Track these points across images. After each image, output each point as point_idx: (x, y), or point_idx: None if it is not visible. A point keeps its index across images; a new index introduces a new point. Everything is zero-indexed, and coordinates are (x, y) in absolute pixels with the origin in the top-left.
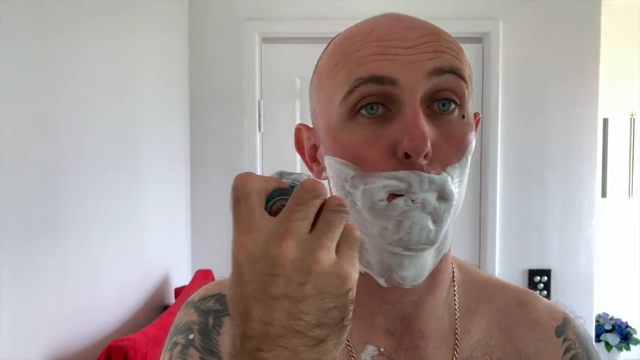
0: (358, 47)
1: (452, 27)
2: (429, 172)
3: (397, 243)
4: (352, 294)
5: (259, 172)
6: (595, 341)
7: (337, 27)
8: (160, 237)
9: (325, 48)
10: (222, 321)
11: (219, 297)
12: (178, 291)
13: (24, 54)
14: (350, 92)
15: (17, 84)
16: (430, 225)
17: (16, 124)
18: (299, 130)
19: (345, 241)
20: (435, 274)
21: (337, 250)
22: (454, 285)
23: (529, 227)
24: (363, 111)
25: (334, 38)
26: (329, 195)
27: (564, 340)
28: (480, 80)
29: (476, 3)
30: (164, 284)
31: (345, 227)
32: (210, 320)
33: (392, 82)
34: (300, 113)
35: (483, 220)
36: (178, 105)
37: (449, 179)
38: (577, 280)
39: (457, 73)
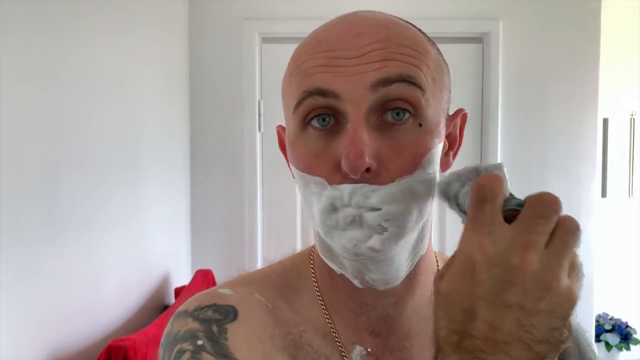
0: (306, 58)
1: (452, 27)
2: (371, 184)
3: (345, 253)
4: (573, 318)
5: (258, 172)
6: (595, 341)
7: None
8: (160, 237)
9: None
10: (225, 328)
11: (216, 307)
12: (178, 291)
13: (24, 54)
14: (298, 104)
15: (17, 84)
16: (370, 239)
17: (16, 124)
18: (279, 132)
19: (572, 265)
20: (413, 276)
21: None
22: None
23: None
24: (314, 122)
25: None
26: (572, 219)
27: None
28: (480, 80)
29: (476, 3)
30: (164, 284)
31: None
32: (215, 328)
33: (334, 95)
34: None
35: None
36: (178, 105)
37: (398, 197)
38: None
39: (408, 81)
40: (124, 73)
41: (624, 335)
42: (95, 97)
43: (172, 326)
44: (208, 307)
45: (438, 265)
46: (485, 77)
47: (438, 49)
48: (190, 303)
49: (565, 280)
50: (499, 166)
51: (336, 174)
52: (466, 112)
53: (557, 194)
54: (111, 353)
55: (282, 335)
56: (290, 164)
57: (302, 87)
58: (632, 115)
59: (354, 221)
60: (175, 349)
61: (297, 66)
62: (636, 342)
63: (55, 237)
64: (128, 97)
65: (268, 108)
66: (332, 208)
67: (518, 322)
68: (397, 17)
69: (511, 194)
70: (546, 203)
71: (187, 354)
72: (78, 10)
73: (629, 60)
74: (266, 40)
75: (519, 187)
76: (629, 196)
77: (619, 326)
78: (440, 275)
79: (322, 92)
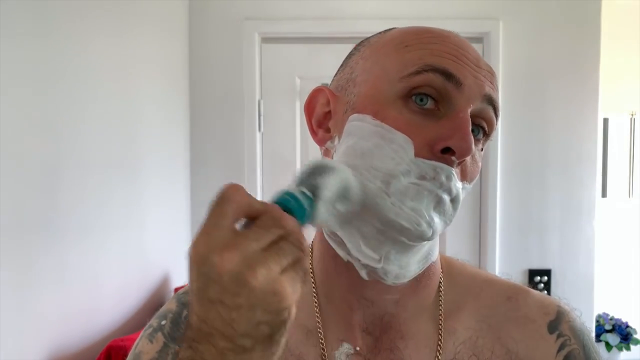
0: (436, 41)
1: (452, 27)
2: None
3: (401, 226)
4: (289, 313)
5: (258, 172)
6: (596, 341)
7: (337, 27)
8: (160, 237)
9: (375, 36)
10: None
11: None
12: (178, 291)
13: (24, 54)
14: (417, 72)
15: (17, 84)
16: (436, 222)
17: (16, 124)
18: (320, 91)
19: (292, 266)
20: (420, 278)
21: (282, 271)
22: (440, 286)
23: (529, 227)
24: (415, 98)
25: (390, 30)
26: (294, 230)
27: (558, 337)
28: None
29: (476, 3)
30: (164, 284)
31: (297, 257)
32: (184, 312)
33: (458, 83)
34: (300, 113)
35: (483, 220)
36: (178, 105)
37: (462, 194)
38: (577, 280)
39: (496, 110)
40: (124, 73)
41: (624, 335)
42: (95, 97)
43: (166, 303)
44: None
45: (442, 269)
46: None
47: None
48: (187, 286)
49: (266, 276)
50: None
51: (425, 148)
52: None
53: (557, 194)
54: (111, 353)
55: None
56: (365, 116)
57: (427, 60)
58: (632, 115)
59: (433, 199)
60: (149, 323)
61: (421, 42)
62: (636, 342)
63: (55, 237)
64: (128, 97)
65: (268, 108)
66: (416, 180)
67: (220, 317)
68: None
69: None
70: (270, 216)
71: (150, 330)
72: (78, 10)
73: (629, 60)
74: (266, 40)
75: (518, 187)
76: (629, 196)
77: (619, 326)
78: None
79: (447, 74)
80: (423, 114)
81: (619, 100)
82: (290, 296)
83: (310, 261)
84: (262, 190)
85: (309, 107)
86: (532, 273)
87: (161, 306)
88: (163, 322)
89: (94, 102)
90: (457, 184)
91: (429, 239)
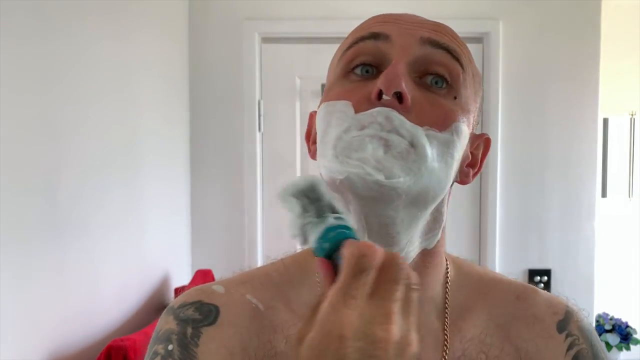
0: (369, 21)
1: (452, 27)
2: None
3: (359, 178)
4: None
5: (258, 172)
6: None
7: (338, 27)
8: (160, 237)
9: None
10: (200, 332)
11: (199, 305)
12: (178, 291)
13: (24, 54)
14: (348, 48)
15: (17, 84)
16: (390, 165)
17: (16, 124)
18: (312, 116)
19: (404, 308)
20: (421, 268)
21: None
22: (447, 283)
23: (529, 227)
24: (357, 70)
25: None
26: (412, 277)
27: (567, 336)
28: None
29: (476, 3)
30: (164, 284)
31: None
32: (189, 331)
33: (385, 37)
34: (300, 113)
35: (483, 220)
36: (178, 105)
37: (424, 138)
38: (577, 280)
39: (452, 54)
40: (124, 73)
41: (624, 335)
42: (95, 97)
43: (159, 322)
44: (192, 304)
45: (447, 266)
46: (485, 77)
47: (480, 74)
48: (179, 298)
49: (415, 340)
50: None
51: (364, 104)
52: (490, 138)
53: (557, 194)
54: (111, 353)
55: (259, 345)
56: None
57: (355, 35)
58: (632, 115)
59: (380, 144)
60: (153, 349)
61: (355, 29)
62: (636, 342)
63: (55, 237)
64: (128, 97)
65: (268, 108)
66: (358, 132)
67: None
68: None
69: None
70: (396, 268)
71: (158, 358)
72: (78, 11)
73: (629, 60)
74: (266, 40)
75: (518, 187)
76: (629, 196)
77: (619, 326)
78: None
79: (374, 35)
80: (365, 80)
81: (619, 100)
82: (414, 344)
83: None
84: (262, 190)
85: (307, 134)
86: (532, 273)
87: (162, 306)
88: (170, 347)
89: (94, 102)
90: (406, 124)
91: (391, 187)
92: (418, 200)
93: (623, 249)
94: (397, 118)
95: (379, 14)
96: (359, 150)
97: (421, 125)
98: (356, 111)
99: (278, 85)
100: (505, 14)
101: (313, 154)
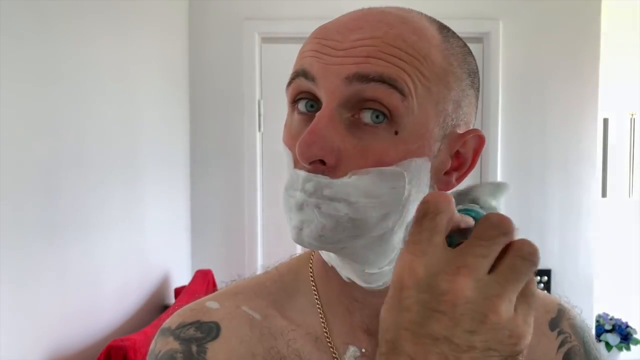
0: (309, 42)
1: (452, 27)
2: (325, 176)
3: (292, 237)
4: (522, 355)
5: (258, 172)
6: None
7: None
8: (160, 237)
9: None
10: (205, 348)
11: (198, 325)
12: (178, 291)
13: (24, 54)
14: (289, 83)
15: (17, 83)
16: (313, 225)
17: (16, 124)
18: None
19: (523, 294)
20: None
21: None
22: None
23: (529, 227)
24: (300, 105)
25: None
26: (517, 237)
27: (559, 334)
28: (481, 80)
29: (476, 3)
30: (164, 284)
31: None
32: (194, 348)
33: (312, 79)
34: None
35: None
36: (178, 105)
37: (355, 190)
38: (577, 280)
39: (387, 82)
40: (124, 73)
41: (624, 336)
42: (96, 97)
43: (155, 344)
44: (191, 324)
45: None
46: (485, 77)
47: (461, 61)
48: (174, 319)
49: (506, 313)
50: (501, 186)
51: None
52: (482, 134)
53: (557, 194)
54: (111, 353)
55: (265, 351)
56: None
57: (294, 67)
58: (632, 115)
59: (301, 207)
60: None
61: (301, 50)
62: (636, 342)
63: (55, 237)
64: (128, 97)
65: (268, 108)
66: (291, 189)
67: (445, 358)
68: (420, 17)
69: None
70: (490, 223)
71: None
72: (78, 11)
73: (629, 60)
74: (266, 40)
75: (518, 187)
76: (629, 196)
77: (619, 326)
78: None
79: (305, 74)
80: (306, 119)
81: (619, 100)
82: (528, 338)
83: (310, 269)
84: (262, 190)
85: None
86: None
87: (162, 306)
88: None
89: (94, 102)
90: (327, 188)
91: (310, 242)
92: (362, 234)
93: (623, 248)
94: (314, 182)
95: (324, 23)
96: (286, 208)
97: (347, 171)
98: (295, 164)
99: (278, 85)
100: (505, 14)
101: None
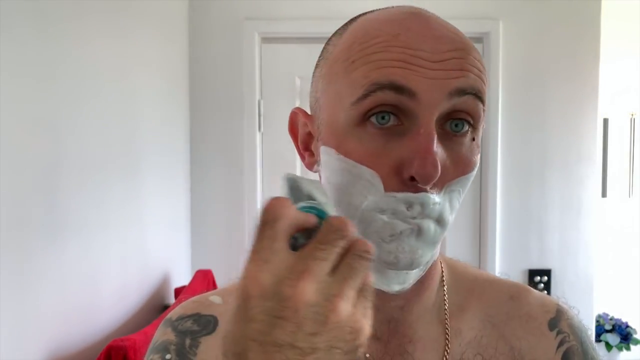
0: (380, 49)
1: None
2: (431, 193)
3: (384, 262)
4: (362, 350)
5: (258, 172)
6: (596, 341)
7: (337, 27)
8: (160, 237)
9: (338, 32)
10: (199, 342)
11: (197, 317)
12: (178, 291)
13: (23, 54)
14: (365, 96)
15: (17, 84)
16: (421, 251)
17: (16, 124)
18: (295, 114)
19: (361, 289)
20: (423, 280)
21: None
22: (444, 286)
23: (529, 227)
24: (373, 119)
25: (350, 22)
26: (355, 237)
27: (558, 333)
28: None
29: (476, 3)
30: (164, 284)
31: (366, 275)
32: (187, 341)
33: (411, 94)
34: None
35: (483, 220)
36: (178, 105)
37: (447, 205)
38: (577, 280)
39: (477, 95)
40: (124, 73)
41: (624, 335)
42: (95, 97)
43: (156, 334)
44: (189, 316)
45: (442, 269)
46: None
47: None
48: (176, 310)
49: (346, 310)
50: (314, 183)
51: (394, 178)
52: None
53: (557, 194)
54: (111, 353)
55: None
56: (333, 152)
57: (372, 78)
58: (632, 115)
59: (412, 232)
60: (149, 359)
61: (365, 55)
62: (636, 342)
63: (55, 237)
64: (128, 97)
65: (268, 108)
66: (390, 216)
67: None
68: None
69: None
70: (331, 228)
71: None
72: (78, 10)
73: (629, 60)
74: (266, 40)
75: (518, 187)
76: (629, 196)
77: (619, 326)
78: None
79: (397, 88)
80: (385, 134)
81: (619, 100)
82: (367, 330)
83: None
84: (262, 190)
85: (293, 131)
86: (532, 273)
87: (162, 306)
88: (168, 356)
89: (94, 102)
90: (436, 205)
91: (415, 268)
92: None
93: (623, 248)
94: (432, 201)
95: (393, 21)
96: (392, 236)
97: (442, 187)
98: (386, 188)
99: (278, 85)
100: (505, 14)
101: (308, 164)
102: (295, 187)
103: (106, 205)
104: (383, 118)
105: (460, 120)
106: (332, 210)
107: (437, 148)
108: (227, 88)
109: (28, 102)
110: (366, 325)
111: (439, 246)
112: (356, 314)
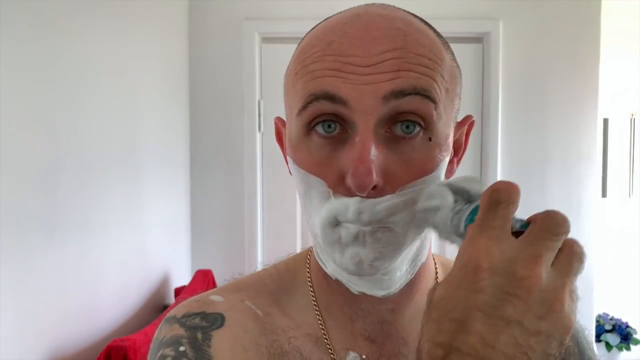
0: (315, 59)
1: (452, 27)
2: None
3: (344, 269)
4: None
5: (258, 172)
6: (596, 341)
7: None
8: (160, 237)
9: (298, 45)
10: (210, 335)
11: (204, 315)
12: (178, 291)
13: (23, 54)
14: (304, 107)
15: (17, 84)
16: (368, 257)
17: (16, 124)
18: (277, 124)
19: (572, 290)
20: (412, 283)
21: None
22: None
23: None
24: (319, 128)
25: (307, 34)
26: (579, 244)
27: None
28: (481, 80)
29: (476, 3)
30: (164, 284)
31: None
32: (199, 335)
33: (343, 102)
34: None
35: None
36: (178, 105)
37: (398, 210)
38: (577, 280)
39: (422, 94)
40: (124, 73)
41: (624, 336)
42: (95, 97)
43: (160, 331)
44: (196, 314)
45: (437, 270)
46: (485, 77)
47: (452, 52)
48: (179, 309)
49: (567, 304)
50: (476, 179)
51: (340, 185)
52: (474, 119)
53: (557, 194)
54: (111, 353)
55: (268, 344)
56: (290, 164)
57: (309, 89)
58: (632, 115)
59: (357, 238)
60: (159, 354)
61: (304, 66)
62: (636, 342)
63: (55, 237)
64: (128, 97)
65: (268, 108)
66: (335, 222)
67: (515, 341)
68: (413, 15)
69: (513, 217)
70: (557, 221)
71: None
72: (78, 10)
73: (629, 60)
74: (266, 40)
75: (519, 187)
76: (629, 196)
77: (619, 326)
78: (437, 285)
79: (330, 97)
80: (330, 142)
81: (619, 100)
82: (572, 328)
83: (308, 273)
84: (262, 190)
85: (279, 138)
86: None
87: (162, 306)
88: (182, 349)
89: (94, 102)
90: (381, 207)
91: (376, 273)
92: (409, 249)
93: (623, 248)
94: (373, 208)
95: (321, 32)
96: (349, 244)
97: (395, 190)
98: (333, 192)
99: (278, 85)
100: (505, 14)
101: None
102: (459, 192)
103: (106, 205)
104: (330, 127)
105: (410, 121)
106: None
107: (376, 155)
108: (227, 88)
109: (28, 102)
110: (574, 323)
111: (400, 252)
112: (572, 309)
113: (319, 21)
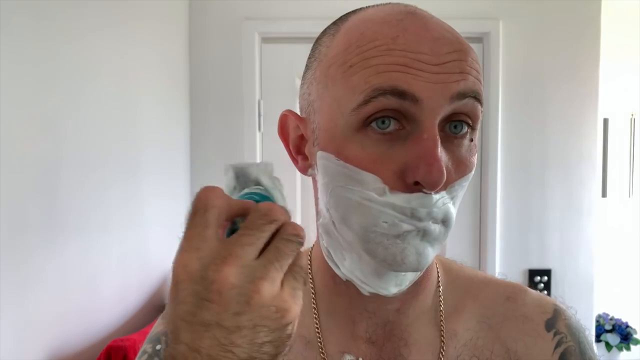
0: (380, 53)
1: (452, 27)
2: (435, 195)
3: (386, 263)
4: (292, 328)
5: None
6: (596, 341)
7: None
8: (161, 237)
9: (329, 32)
10: None
11: None
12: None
13: (24, 54)
14: (366, 102)
15: (17, 84)
16: (427, 252)
17: (16, 124)
18: (286, 116)
19: (290, 271)
20: (419, 281)
21: (281, 281)
22: (439, 287)
23: (529, 227)
24: (374, 124)
25: (341, 21)
26: (286, 221)
27: (555, 334)
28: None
29: (476, 3)
30: (164, 284)
31: (296, 257)
32: None
33: (414, 99)
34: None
35: (483, 220)
36: (178, 105)
37: (451, 205)
38: (577, 280)
39: (476, 97)
40: (124, 73)
41: (624, 336)
42: (95, 98)
43: (155, 325)
44: None
45: (438, 269)
46: (485, 77)
47: None
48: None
49: (269, 291)
50: (266, 165)
51: (397, 182)
52: None
53: (557, 194)
54: (111, 353)
55: None
56: (331, 157)
57: (373, 83)
58: (632, 115)
59: (418, 233)
60: (142, 348)
61: (364, 58)
62: (636, 342)
63: (55, 238)
64: (128, 96)
65: (268, 108)
66: (399, 217)
67: (217, 342)
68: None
69: (237, 219)
70: (259, 213)
71: (145, 357)
72: (78, 11)
73: (629, 60)
74: (266, 40)
75: (518, 187)
76: (629, 196)
77: (619, 326)
78: None
79: (399, 93)
80: (387, 139)
81: (619, 100)
82: (295, 309)
83: (310, 273)
84: None
85: (283, 134)
86: (532, 273)
87: (162, 306)
88: (158, 347)
89: (94, 102)
90: (440, 206)
91: (421, 269)
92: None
93: (623, 248)
94: (436, 205)
95: (388, 23)
96: (398, 238)
97: (446, 187)
98: (391, 189)
99: (278, 85)
100: (505, 14)
101: (301, 168)
102: (242, 175)
103: (106, 206)
104: (383, 122)
105: (460, 122)
106: (278, 194)
107: (441, 152)
108: (227, 88)
109: (28, 102)
110: (294, 305)
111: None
112: (283, 294)
113: (319, 21)
